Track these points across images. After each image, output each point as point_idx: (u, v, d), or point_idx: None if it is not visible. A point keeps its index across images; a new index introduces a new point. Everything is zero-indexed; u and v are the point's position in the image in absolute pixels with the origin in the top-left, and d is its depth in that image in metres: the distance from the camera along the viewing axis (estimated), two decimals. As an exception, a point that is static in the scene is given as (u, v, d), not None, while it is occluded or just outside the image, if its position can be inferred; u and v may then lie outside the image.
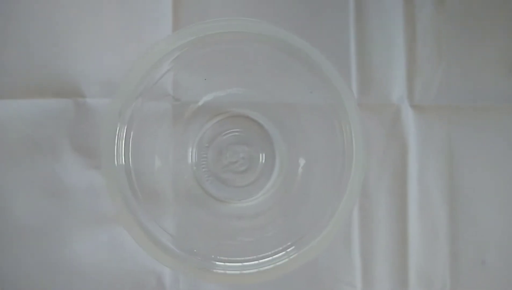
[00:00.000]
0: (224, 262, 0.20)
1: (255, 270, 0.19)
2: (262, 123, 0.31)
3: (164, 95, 0.30)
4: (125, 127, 0.25)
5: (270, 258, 0.20)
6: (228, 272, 0.19)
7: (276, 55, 0.26)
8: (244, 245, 0.27)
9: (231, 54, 0.28)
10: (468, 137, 0.32)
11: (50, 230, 0.29)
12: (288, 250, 0.21)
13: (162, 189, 0.30)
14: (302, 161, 0.31)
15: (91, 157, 0.30)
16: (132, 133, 0.28)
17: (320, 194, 0.31)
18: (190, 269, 0.19)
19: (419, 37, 0.32)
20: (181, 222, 0.29)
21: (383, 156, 0.32)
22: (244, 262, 0.20)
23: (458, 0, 0.32)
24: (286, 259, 0.19)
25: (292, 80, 0.29)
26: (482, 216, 0.32)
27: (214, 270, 0.20)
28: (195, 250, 0.21)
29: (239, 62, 0.29)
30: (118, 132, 0.24)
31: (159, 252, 0.20)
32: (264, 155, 0.31)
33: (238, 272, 0.19)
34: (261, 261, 0.20)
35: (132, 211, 0.23)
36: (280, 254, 0.20)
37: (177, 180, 0.30)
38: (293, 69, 0.28)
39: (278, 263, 0.19)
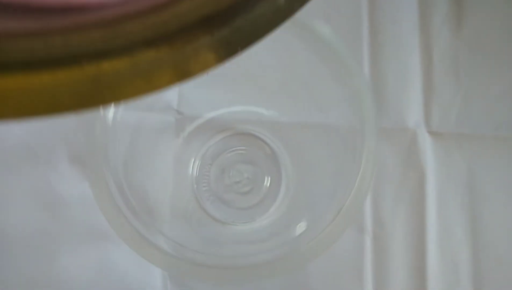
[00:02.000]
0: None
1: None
2: (269, 142, 0.29)
3: (167, 108, 0.29)
4: (119, 136, 0.24)
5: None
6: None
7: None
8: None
9: (241, 67, 0.27)
10: (490, 167, 0.30)
11: (38, 242, 0.27)
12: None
13: (158, 206, 0.28)
14: (310, 185, 0.29)
15: (87, 168, 0.28)
16: (127, 143, 0.27)
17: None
18: (186, 265, 0.16)
19: (436, 64, 0.31)
20: (176, 240, 0.26)
21: (399, 184, 0.30)
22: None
23: (476, 27, 0.32)
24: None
25: (307, 96, 0.28)
26: (508, 254, 0.29)
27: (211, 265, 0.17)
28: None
29: (248, 76, 0.28)
30: (108, 141, 0.23)
31: (152, 250, 0.17)
32: (269, 176, 0.29)
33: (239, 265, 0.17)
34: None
35: (124, 215, 0.21)
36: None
37: (176, 197, 0.29)
38: (310, 84, 0.27)
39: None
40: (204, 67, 0.11)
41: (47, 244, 0.27)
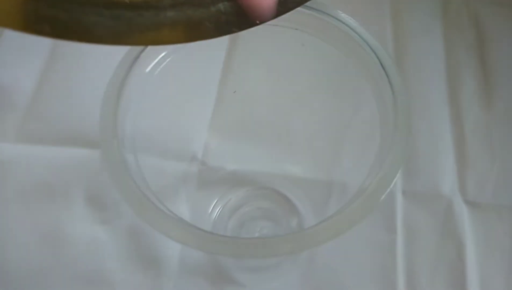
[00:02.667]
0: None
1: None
2: (292, 199, 0.28)
3: (192, 158, 0.29)
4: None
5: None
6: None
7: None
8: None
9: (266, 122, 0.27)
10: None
11: (36, 280, 0.25)
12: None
13: (167, 257, 0.26)
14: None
15: (101, 211, 0.27)
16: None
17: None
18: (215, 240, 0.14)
19: (468, 135, 0.30)
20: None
21: (436, 255, 0.27)
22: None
23: (506, 102, 0.31)
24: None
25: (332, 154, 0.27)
26: None
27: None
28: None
29: (276, 133, 0.28)
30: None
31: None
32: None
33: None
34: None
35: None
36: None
37: (187, 248, 0.26)
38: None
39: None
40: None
41: (44, 283, 0.25)
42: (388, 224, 0.27)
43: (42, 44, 0.32)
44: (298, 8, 0.14)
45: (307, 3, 0.15)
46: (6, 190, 0.28)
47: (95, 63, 0.32)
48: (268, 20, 0.14)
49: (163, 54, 0.19)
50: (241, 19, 0.13)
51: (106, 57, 0.31)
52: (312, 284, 0.26)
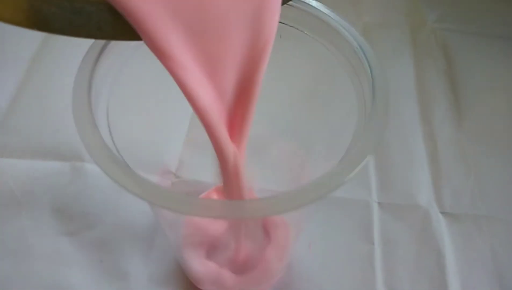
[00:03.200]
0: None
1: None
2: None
3: (165, 171, 0.28)
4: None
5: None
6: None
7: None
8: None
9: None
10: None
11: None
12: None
13: (135, 269, 0.25)
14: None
15: (67, 223, 0.26)
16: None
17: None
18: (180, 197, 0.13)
19: (441, 151, 0.31)
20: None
21: (415, 264, 0.26)
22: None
23: (477, 120, 0.32)
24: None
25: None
26: None
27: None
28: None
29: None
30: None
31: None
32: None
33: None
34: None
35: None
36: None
37: (156, 261, 0.25)
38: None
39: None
40: None
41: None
42: (366, 235, 0.27)
43: (18, 61, 0.33)
44: None
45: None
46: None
47: (69, 82, 0.32)
48: None
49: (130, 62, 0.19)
50: None
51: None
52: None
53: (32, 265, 0.25)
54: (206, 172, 0.28)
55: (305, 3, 0.18)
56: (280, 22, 0.19)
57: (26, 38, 0.34)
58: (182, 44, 0.13)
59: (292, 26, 0.19)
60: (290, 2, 0.17)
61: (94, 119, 0.15)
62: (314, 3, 0.18)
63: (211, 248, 0.24)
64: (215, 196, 0.26)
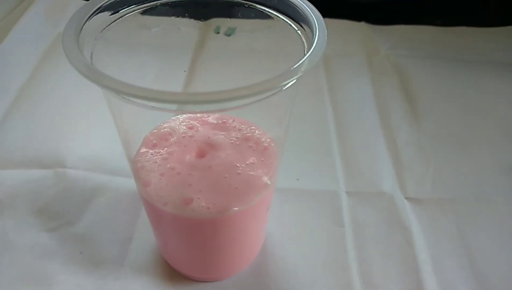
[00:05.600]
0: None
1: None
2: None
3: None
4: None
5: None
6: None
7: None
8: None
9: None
10: (480, 228, 0.28)
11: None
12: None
13: (114, 259, 0.25)
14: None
15: (49, 220, 0.27)
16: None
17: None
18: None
19: (401, 147, 0.33)
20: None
21: (385, 242, 0.27)
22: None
23: (432, 123, 0.35)
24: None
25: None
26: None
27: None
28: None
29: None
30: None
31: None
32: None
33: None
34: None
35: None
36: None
37: (136, 250, 0.26)
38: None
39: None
40: None
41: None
42: (336, 219, 0.28)
43: (9, 87, 0.35)
44: None
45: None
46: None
47: (54, 106, 0.35)
48: None
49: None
50: None
51: (64, 107, 0.34)
52: (264, 276, 0.25)
53: (12, 258, 0.25)
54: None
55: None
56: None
57: (18, 68, 0.37)
58: None
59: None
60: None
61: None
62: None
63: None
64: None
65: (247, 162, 0.21)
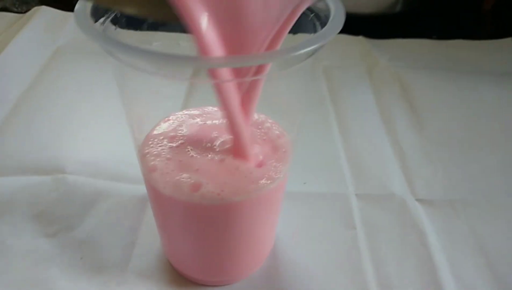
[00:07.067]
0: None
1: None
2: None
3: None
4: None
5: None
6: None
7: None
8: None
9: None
10: (496, 229, 0.27)
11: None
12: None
13: (117, 264, 0.24)
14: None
15: (47, 226, 0.26)
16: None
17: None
18: None
19: (407, 153, 0.33)
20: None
21: (401, 244, 0.26)
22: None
23: (436, 129, 0.35)
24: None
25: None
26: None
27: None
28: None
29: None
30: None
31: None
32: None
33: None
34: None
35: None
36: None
37: (139, 256, 0.25)
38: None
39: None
40: None
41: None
42: (347, 222, 0.27)
43: (9, 95, 0.35)
44: None
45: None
46: None
47: (53, 116, 0.34)
48: None
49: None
50: None
51: (63, 116, 0.33)
52: (276, 280, 0.24)
53: (11, 264, 0.24)
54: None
55: None
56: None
57: (17, 79, 0.37)
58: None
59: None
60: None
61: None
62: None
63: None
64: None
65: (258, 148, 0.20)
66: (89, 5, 0.16)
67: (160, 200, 0.20)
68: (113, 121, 0.30)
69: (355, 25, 0.48)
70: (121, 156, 0.29)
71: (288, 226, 0.27)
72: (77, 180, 0.28)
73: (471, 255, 0.26)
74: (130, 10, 0.16)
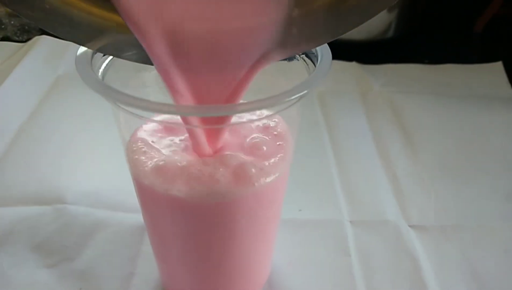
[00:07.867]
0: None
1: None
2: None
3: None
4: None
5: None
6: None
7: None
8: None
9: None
10: (488, 255, 0.28)
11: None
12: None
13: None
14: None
15: (47, 256, 0.26)
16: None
17: None
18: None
19: (401, 179, 0.33)
20: None
21: (395, 271, 0.26)
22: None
23: (430, 155, 0.36)
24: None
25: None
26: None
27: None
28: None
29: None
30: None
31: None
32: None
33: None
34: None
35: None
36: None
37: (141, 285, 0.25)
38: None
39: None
40: None
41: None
42: (342, 249, 0.28)
43: (9, 126, 0.35)
44: None
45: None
46: None
47: (52, 147, 0.35)
48: None
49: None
50: None
51: (63, 146, 0.34)
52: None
53: (9, 295, 0.24)
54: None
55: None
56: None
57: (17, 109, 0.38)
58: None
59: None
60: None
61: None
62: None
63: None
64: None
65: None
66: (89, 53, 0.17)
67: (150, 201, 0.20)
68: (112, 150, 0.31)
69: (348, 51, 0.49)
70: (120, 185, 0.29)
71: (285, 252, 0.27)
72: (77, 210, 0.29)
73: (463, 280, 0.26)
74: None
